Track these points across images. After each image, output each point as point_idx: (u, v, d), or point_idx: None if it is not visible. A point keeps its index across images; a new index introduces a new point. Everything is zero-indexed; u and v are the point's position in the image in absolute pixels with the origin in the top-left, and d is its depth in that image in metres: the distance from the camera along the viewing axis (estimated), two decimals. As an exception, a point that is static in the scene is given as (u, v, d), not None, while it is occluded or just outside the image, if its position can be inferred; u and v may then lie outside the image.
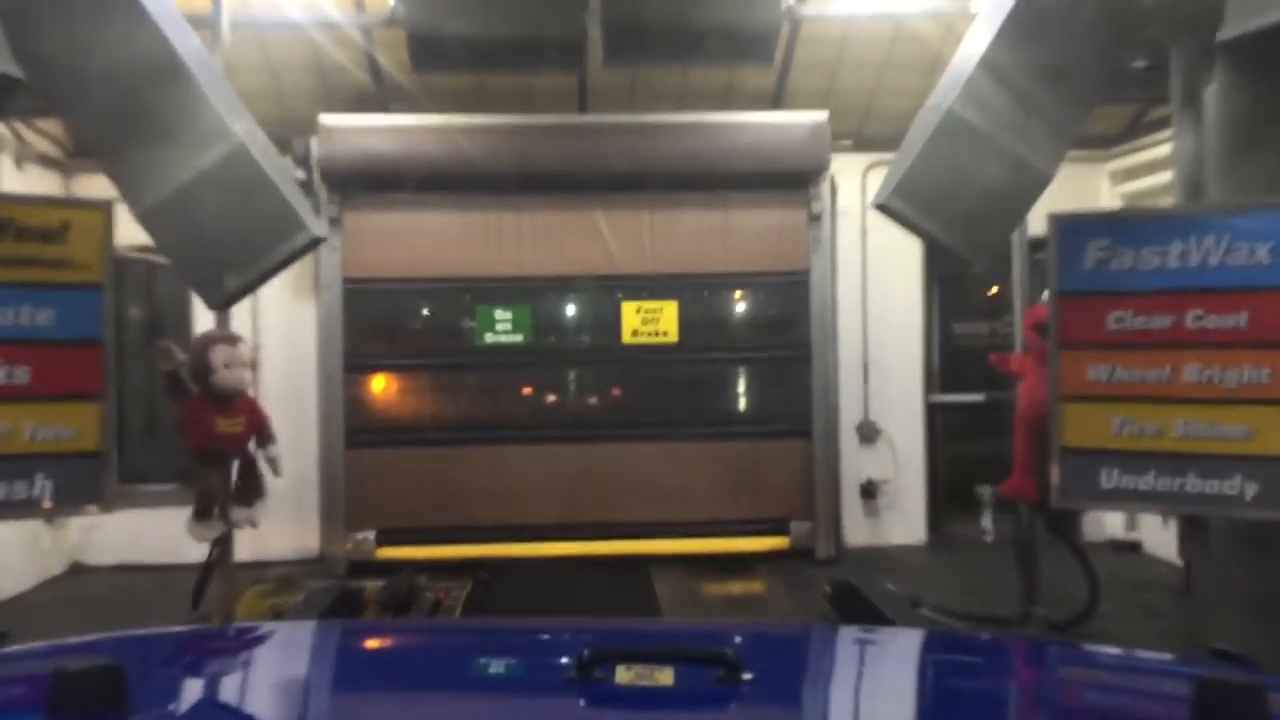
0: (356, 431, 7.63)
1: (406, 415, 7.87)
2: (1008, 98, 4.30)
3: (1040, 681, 1.82)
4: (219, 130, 4.16)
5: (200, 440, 5.47)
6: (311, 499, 7.72)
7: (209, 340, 5.47)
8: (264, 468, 5.76)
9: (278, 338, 7.77)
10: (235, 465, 5.67)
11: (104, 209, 4.11)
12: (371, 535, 7.52)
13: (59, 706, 1.26)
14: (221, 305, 4.64)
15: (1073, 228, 4.26)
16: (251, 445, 5.75)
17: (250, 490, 5.69)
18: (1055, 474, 4.24)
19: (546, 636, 1.97)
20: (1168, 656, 1.86)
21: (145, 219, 4.19)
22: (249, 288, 4.38)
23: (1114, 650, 2.36)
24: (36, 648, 1.77)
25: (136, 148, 4.12)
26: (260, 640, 2.01)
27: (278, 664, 1.86)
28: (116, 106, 4.10)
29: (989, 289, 8.61)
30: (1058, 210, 4.37)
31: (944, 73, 4.49)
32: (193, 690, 1.73)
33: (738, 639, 1.95)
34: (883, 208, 4.44)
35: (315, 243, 4.39)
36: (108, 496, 4.05)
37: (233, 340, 5.51)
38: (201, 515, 5.50)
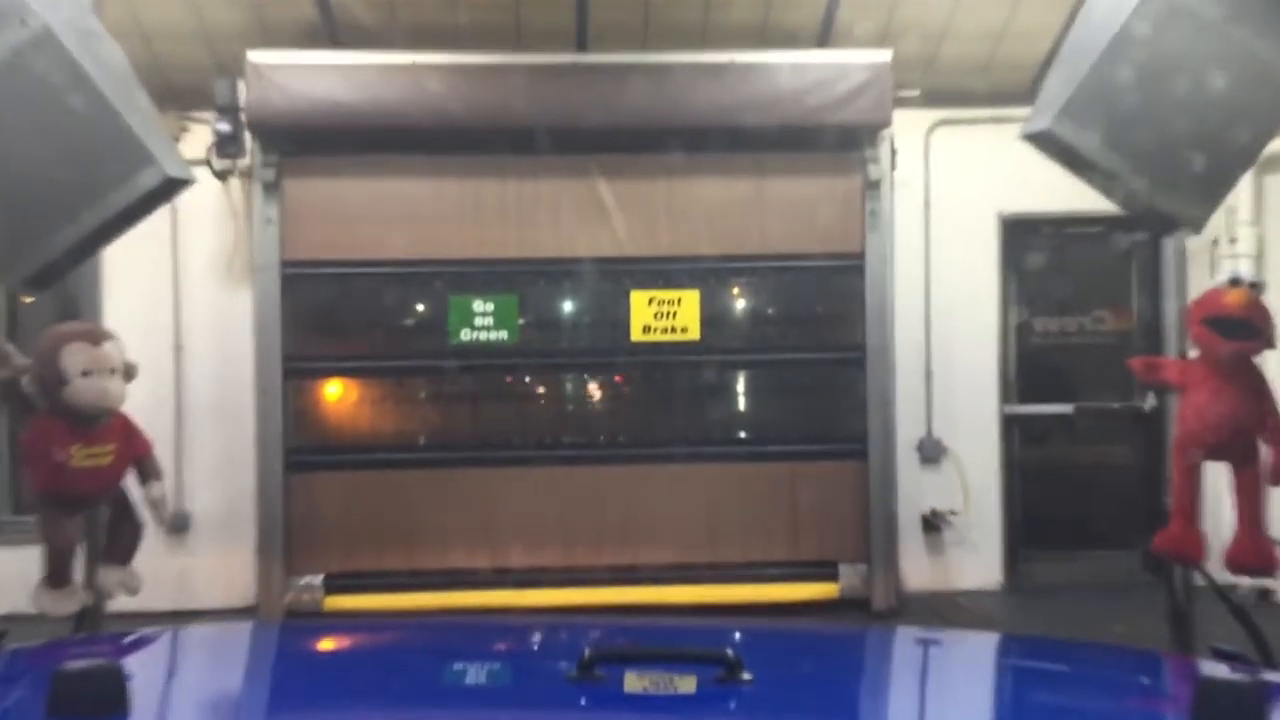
0: (300, 451, 6.55)
1: (363, 431, 6.90)
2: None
3: (1039, 679, 1.81)
4: (9, 9, 2.65)
5: (49, 477, 4.01)
6: (247, 534, 6.56)
7: (61, 337, 3.92)
8: (145, 513, 4.32)
9: (205, 335, 6.83)
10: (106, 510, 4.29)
11: None
12: (318, 580, 6.43)
13: (59, 706, 1.30)
14: (30, 286, 3.12)
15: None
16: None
17: (125, 544, 4.28)
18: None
19: (547, 636, 2.07)
20: (1169, 656, 2.02)
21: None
22: (69, 260, 2.89)
23: (1115, 649, 2.46)
24: (36, 648, 1.82)
25: None
26: (262, 639, 2.12)
27: (280, 663, 1.92)
28: None
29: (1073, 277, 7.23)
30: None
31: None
32: (193, 690, 1.75)
33: (738, 639, 2.04)
34: (1040, 137, 2.99)
35: (172, 187, 2.92)
36: None
37: (96, 338, 3.97)
38: (55, 581, 4.06)
